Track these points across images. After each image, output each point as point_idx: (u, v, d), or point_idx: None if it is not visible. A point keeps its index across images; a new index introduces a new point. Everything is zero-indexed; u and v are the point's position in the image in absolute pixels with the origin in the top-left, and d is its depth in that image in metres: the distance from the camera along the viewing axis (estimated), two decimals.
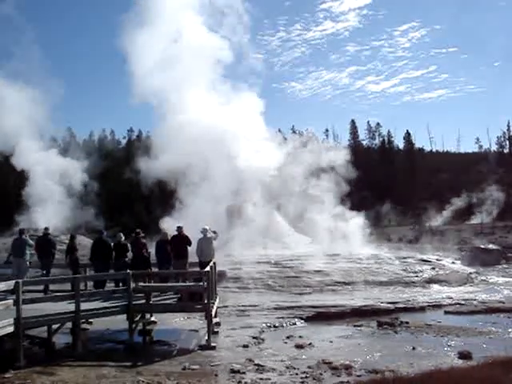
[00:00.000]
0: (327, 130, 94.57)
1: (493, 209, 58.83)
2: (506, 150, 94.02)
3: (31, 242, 16.96)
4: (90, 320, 14.75)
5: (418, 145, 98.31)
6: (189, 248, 16.27)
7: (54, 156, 41.06)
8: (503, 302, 20.10)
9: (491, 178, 62.23)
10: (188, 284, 15.36)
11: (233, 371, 11.30)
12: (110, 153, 63.07)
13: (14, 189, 47.54)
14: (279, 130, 66.27)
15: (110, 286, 16.75)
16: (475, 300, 20.54)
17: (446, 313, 18.74)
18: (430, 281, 24.51)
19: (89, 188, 43.43)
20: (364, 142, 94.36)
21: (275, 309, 18.64)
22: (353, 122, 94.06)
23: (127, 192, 56.03)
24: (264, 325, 16.38)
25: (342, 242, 31.81)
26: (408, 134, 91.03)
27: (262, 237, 32.24)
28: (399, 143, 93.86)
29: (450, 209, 59.73)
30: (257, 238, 31.84)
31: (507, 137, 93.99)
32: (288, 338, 14.83)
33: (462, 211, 59.82)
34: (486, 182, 60.71)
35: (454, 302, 20.23)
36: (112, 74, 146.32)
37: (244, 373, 11.24)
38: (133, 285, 13.95)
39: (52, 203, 38.81)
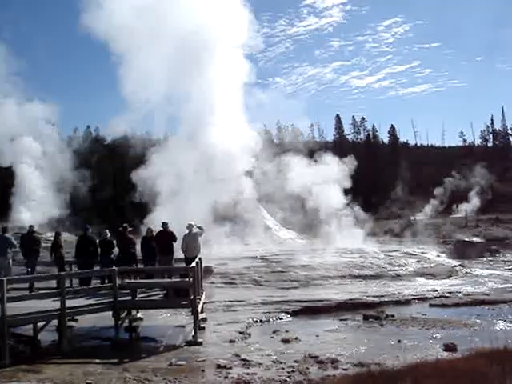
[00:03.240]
0: (312, 125, 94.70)
1: (477, 201, 59.21)
2: (490, 144, 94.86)
3: (13, 240, 16.81)
4: (76, 317, 14.72)
5: (402, 139, 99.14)
6: (174, 244, 16.25)
7: (40, 150, 40.71)
8: (487, 295, 20.29)
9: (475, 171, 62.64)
10: (174, 280, 15.33)
11: (219, 366, 11.31)
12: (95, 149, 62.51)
13: None
14: (264, 126, 66.37)
15: (95, 282, 16.66)
16: (460, 292, 20.70)
17: (431, 305, 18.86)
18: (415, 274, 24.65)
19: (78, 183, 43.02)
20: (349, 137, 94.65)
21: (262, 304, 18.63)
22: (338, 116, 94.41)
23: (112, 188, 55.77)
24: (250, 320, 16.38)
25: (327, 237, 31.99)
26: (393, 129, 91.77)
27: (248, 232, 32.30)
28: (384, 137, 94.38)
29: (434, 201, 59.93)
30: (243, 232, 31.89)
31: (491, 130, 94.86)
32: (274, 332, 14.85)
33: (446, 204, 60.06)
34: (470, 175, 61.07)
35: (439, 294, 20.36)
36: (98, 71, 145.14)
37: (230, 368, 11.25)
38: (118, 281, 13.91)
39: (37, 200, 38.57)
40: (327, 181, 33.61)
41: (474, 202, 58.49)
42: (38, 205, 38.06)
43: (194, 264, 14.47)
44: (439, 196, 59.40)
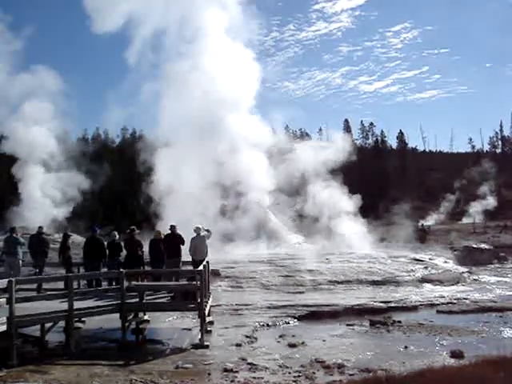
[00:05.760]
0: (321, 130, 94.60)
1: (485, 208, 59.20)
2: (499, 150, 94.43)
3: (22, 240, 16.93)
4: (83, 319, 14.75)
5: (411, 144, 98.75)
6: (182, 247, 16.27)
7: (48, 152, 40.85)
8: (495, 302, 20.15)
9: (484, 177, 62.64)
10: (181, 283, 15.35)
11: (226, 370, 11.30)
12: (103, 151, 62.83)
13: (6, 186, 47.25)
14: (272, 129, 66.39)
15: (103, 284, 16.72)
16: (467, 299, 20.59)
17: (439, 312, 18.77)
18: (423, 280, 24.53)
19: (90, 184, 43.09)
20: (357, 142, 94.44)
21: (268, 308, 18.62)
22: (346, 121, 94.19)
23: (121, 189, 55.89)
24: (257, 324, 16.37)
25: (334, 241, 31.96)
26: (401, 134, 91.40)
27: (256, 235, 32.30)
28: (392, 143, 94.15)
29: (443, 206, 59.91)
30: (251, 236, 31.89)
31: (499, 137, 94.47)
32: (281, 336, 14.84)
33: (454, 211, 60.02)
34: (479, 182, 61.08)
35: (446, 301, 20.26)
36: (106, 73, 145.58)
37: (237, 371, 11.25)
38: (126, 283, 13.95)
39: (45, 201, 38.70)
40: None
41: (485, 202, 58.51)
42: (45, 203, 38.20)
43: (201, 267, 14.49)
44: (458, 189, 59.43)
